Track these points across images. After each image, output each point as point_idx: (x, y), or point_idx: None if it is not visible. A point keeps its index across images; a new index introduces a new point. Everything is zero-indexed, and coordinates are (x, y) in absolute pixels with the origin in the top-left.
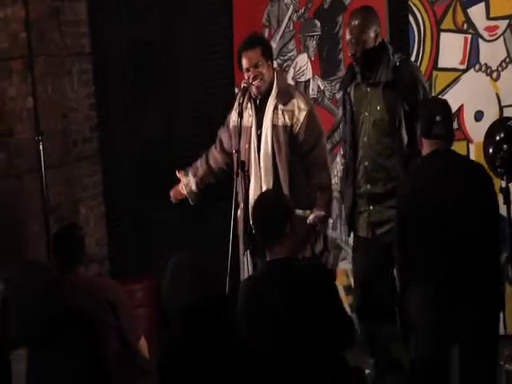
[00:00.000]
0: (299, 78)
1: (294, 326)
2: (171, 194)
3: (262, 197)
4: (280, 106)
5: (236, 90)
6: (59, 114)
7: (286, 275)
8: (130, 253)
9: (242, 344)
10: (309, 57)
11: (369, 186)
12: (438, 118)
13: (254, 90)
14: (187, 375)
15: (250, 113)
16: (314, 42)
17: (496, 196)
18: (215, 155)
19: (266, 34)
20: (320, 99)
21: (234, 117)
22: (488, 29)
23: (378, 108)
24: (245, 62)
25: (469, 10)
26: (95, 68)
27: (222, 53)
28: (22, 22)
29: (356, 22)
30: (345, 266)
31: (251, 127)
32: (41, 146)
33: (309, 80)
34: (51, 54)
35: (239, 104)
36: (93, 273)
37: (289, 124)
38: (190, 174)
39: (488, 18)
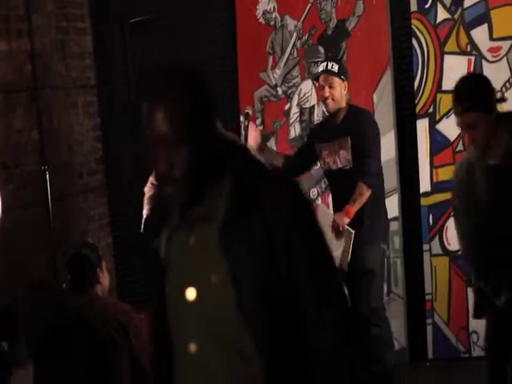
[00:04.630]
0: (304, 104)
1: None
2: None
3: None
4: None
5: (242, 119)
6: (65, 146)
7: None
8: (137, 283)
9: None
10: (313, 83)
11: None
12: None
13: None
14: None
15: None
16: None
17: None
18: None
19: (270, 62)
20: None
21: None
22: (491, 50)
23: None
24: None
25: (472, 32)
26: (101, 100)
27: (227, 81)
28: (27, 55)
29: None
30: None
31: None
32: (47, 177)
33: (313, 106)
34: (56, 86)
35: None
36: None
37: None
38: None
39: (491, 39)
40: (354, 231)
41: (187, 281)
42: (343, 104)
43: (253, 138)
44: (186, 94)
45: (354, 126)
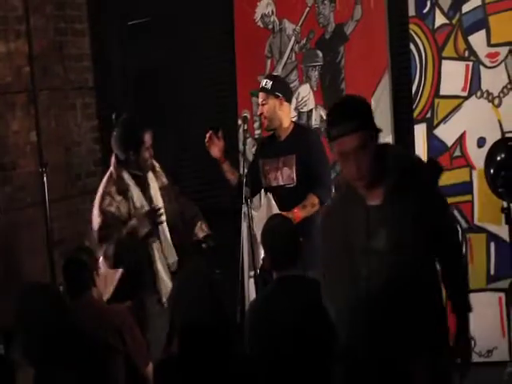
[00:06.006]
0: (301, 108)
1: (300, 342)
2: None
3: (274, 219)
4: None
5: (239, 122)
6: (63, 148)
7: (296, 292)
8: None
9: (242, 366)
10: (311, 87)
11: None
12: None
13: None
14: None
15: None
16: (317, 72)
17: None
18: None
19: (268, 66)
20: (323, 129)
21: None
22: (489, 55)
23: None
24: None
25: (470, 38)
26: (98, 102)
27: (225, 84)
28: (25, 57)
29: None
30: None
31: None
32: (45, 179)
33: (311, 110)
34: (54, 88)
35: None
36: None
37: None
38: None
39: (489, 44)
40: None
41: None
42: (283, 121)
43: (216, 149)
44: None
45: (301, 144)
